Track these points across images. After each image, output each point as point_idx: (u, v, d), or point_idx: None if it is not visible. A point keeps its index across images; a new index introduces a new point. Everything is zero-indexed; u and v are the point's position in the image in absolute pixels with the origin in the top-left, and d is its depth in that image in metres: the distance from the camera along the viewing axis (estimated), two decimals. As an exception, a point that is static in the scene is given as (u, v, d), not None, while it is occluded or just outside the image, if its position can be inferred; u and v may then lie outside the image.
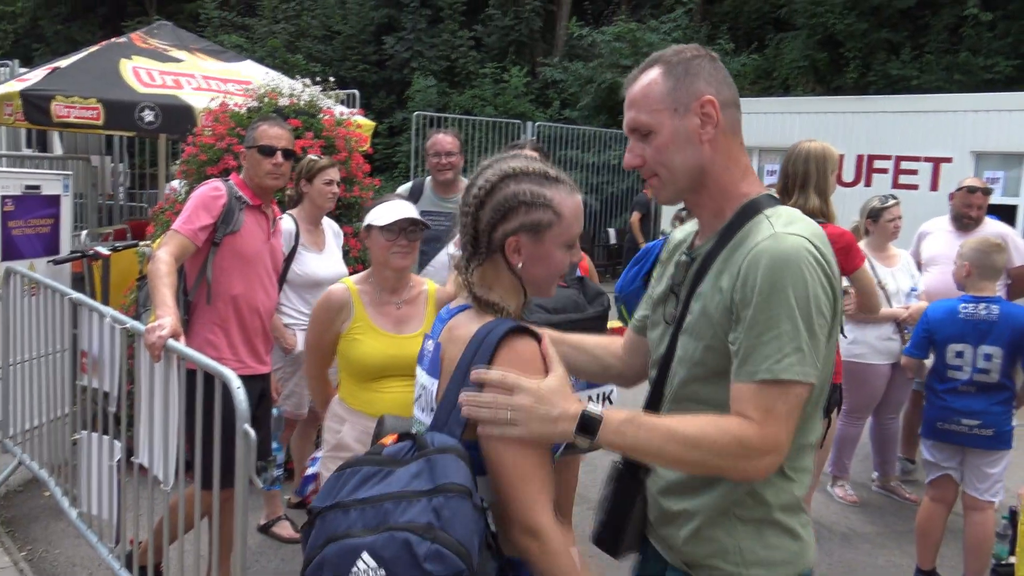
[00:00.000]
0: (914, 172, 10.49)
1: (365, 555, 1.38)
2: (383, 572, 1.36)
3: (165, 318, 2.75)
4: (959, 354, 3.72)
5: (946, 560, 4.01)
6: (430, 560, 1.35)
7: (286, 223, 3.99)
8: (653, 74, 1.63)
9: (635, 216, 11.75)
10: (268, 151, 3.27)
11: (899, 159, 10.65)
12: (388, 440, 1.54)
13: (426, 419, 1.66)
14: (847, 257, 3.29)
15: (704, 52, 1.66)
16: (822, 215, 3.34)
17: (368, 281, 2.92)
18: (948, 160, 10.20)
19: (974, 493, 3.78)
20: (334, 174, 4.09)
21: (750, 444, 1.48)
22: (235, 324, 3.24)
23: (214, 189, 3.20)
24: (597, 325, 3.01)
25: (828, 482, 5.02)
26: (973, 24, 14.45)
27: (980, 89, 12.86)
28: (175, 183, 5.22)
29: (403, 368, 2.73)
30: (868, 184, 10.69)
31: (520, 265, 1.62)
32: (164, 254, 2.97)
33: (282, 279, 3.96)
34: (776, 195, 1.66)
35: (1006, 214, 8.51)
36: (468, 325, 1.60)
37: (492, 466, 1.52)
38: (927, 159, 10.40)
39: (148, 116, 6.95)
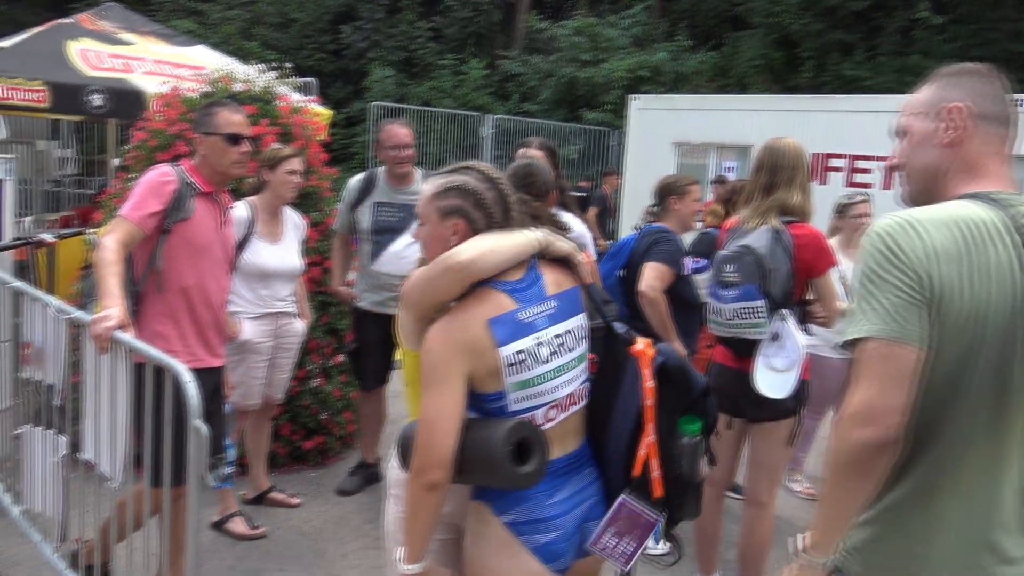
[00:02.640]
0: (868, 171, 10.65)
1: None
2: None
3: (112, 308, 2.63)
4: None
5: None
6: None
7: (241, 211, 3.90)
8: (926, 84, 1.77)
9: (591, 211, 11.70)
10: (236, 139, 3.16)
11: (853, 158, 10.80)
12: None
13: (577, 351, 2.05)
14: (818, 258, 3.29)
15: (980, 69, 1.72)
16: (801, 212, 3.33)
17: None
18: (901, 160, 10.36)
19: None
20: (297, 164, 4.01)
21: None
22: (186, 316, 3.12)
23: (163, 174, 3.07)
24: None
25: (785, 476, 5.05)
26: (924, 27, 14.75)
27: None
28: None
29: None
30: (823, 182, 10.84)
31: None
32: (111, 241, 2.84)
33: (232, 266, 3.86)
34: (986, 193, 1.64)
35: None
36: (558, 272, 2.08)
37: None
38: (880, 158, 10.57)
39: (96, 100, 6.73)
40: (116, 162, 6.76)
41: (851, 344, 1.58)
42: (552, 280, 2.05)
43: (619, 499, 2.01)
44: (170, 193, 3.02)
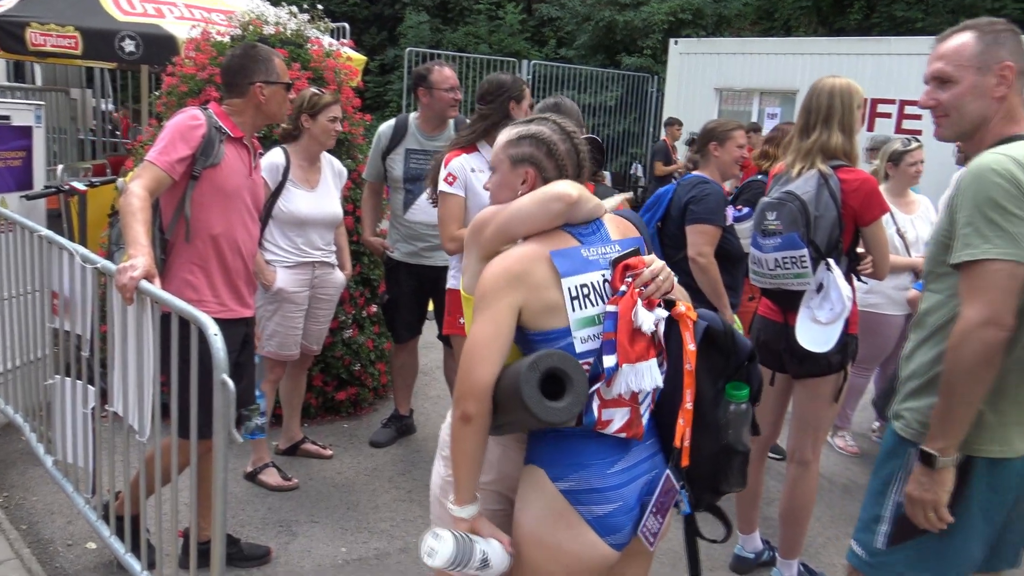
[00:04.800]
0: (918, 117, 10.26)
1: None
2: None
3: (138, 258, 2.56)
4: None
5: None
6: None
7: (276, 156, 3.82)
8: (965, 36, 2.07)
9: (659, 166, 11.49)
10: (290, 87, 3.14)
11: (903, 103, 10.41)
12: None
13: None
14: (868, 205, 3.11)
15: (1010, 27, 2.06)
16: (844, 155, 3.14)
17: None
18: (953, 105, 9.95)
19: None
20: (337, 111, 3.92)
21: None
22: (216, 264, 3.05)
23: (192, 118, 2.96)
24: None
25: (830, 433, 4.92)
26: (982, -35, 14.08)
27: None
28: None
29: None
30: (871, 128, 10.47)
31: None
32: (137, 188, 2.75)
33: (267, 214, 3.79)
34: None
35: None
36: (618, 221, 2.05)
37: None
38: (933, 103, 10.14)
39: (129, 46, 6.63)
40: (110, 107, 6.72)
41: (963, 264, 1.91)
42: (615, 228, 2.03)
43: (664, 474, 1.91)
44: (199, 138, 2.92)
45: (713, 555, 3.59)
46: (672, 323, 1.90)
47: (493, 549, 1.83)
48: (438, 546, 1.78)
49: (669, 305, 1.92)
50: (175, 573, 2.74)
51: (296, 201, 3.86)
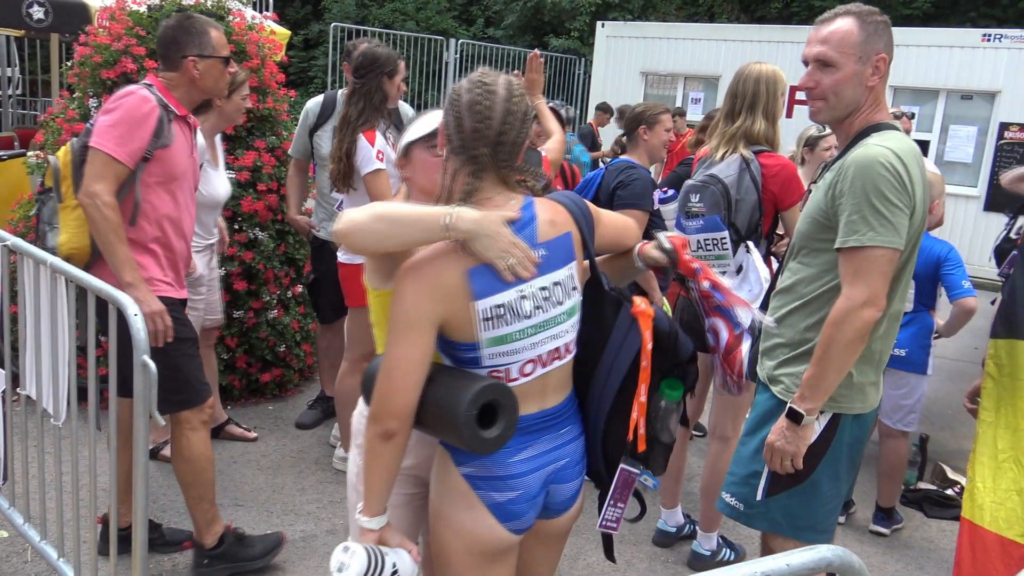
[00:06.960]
0: (835, 105, 10.54)
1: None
2: None
3: (151, 301, 2.62)
4: None
5: (859, 486, 4.10)
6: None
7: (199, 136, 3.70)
8: (848, 23, 2.16)
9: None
10: (228, 61, 3.02)
11: (821, 91, 10.69)
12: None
13: (566, 304, 1.85)
14: (787, 190, 3.21)
15: (884, 18, 2.19)
16: (766, 140, 3.23)
17: None
18: (867, 93, 10.29)
19: (888, 422, 3.86)
20: (247, 88, 3.80)
21: None
22: (161, 247, 2.91)
23: (143, 101, 2.79)
24: None
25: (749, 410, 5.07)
26: (896, -42, 14.56)
27: (899, 24, 12.99)
28: None
29: None
30: (789, 115, 10.73)
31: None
32: (106, 194, 2.64)
33: None
34: (895, 123, 2.20)
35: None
36: (555, 210, 1.88)
37: None
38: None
39: (37, 12, 6.32)
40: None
41: (848, 248, 2.08)
42: (546, 220, 1.84)
43: (619, 469, 1.96)
44: (155, 122, 2.79)
45: (637, 529, 3.68)
46: (619, 314, 1.92)
47: (402, 559, 1.79)
48: (349, 560, 1.72)
49: (622, 300, 1.94)
50: (94, 560, 2.66)
51: (213, 182, 3.71)
